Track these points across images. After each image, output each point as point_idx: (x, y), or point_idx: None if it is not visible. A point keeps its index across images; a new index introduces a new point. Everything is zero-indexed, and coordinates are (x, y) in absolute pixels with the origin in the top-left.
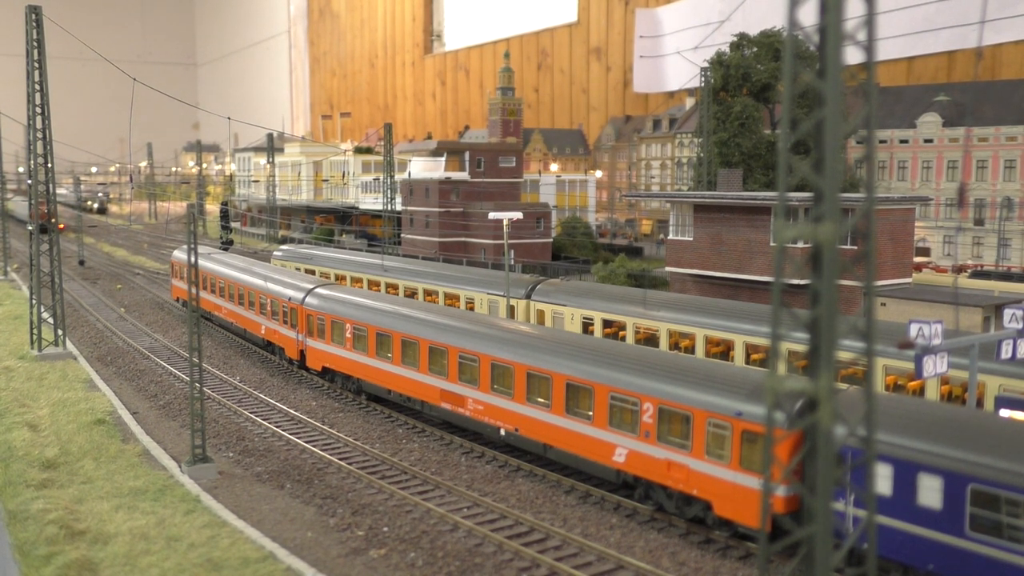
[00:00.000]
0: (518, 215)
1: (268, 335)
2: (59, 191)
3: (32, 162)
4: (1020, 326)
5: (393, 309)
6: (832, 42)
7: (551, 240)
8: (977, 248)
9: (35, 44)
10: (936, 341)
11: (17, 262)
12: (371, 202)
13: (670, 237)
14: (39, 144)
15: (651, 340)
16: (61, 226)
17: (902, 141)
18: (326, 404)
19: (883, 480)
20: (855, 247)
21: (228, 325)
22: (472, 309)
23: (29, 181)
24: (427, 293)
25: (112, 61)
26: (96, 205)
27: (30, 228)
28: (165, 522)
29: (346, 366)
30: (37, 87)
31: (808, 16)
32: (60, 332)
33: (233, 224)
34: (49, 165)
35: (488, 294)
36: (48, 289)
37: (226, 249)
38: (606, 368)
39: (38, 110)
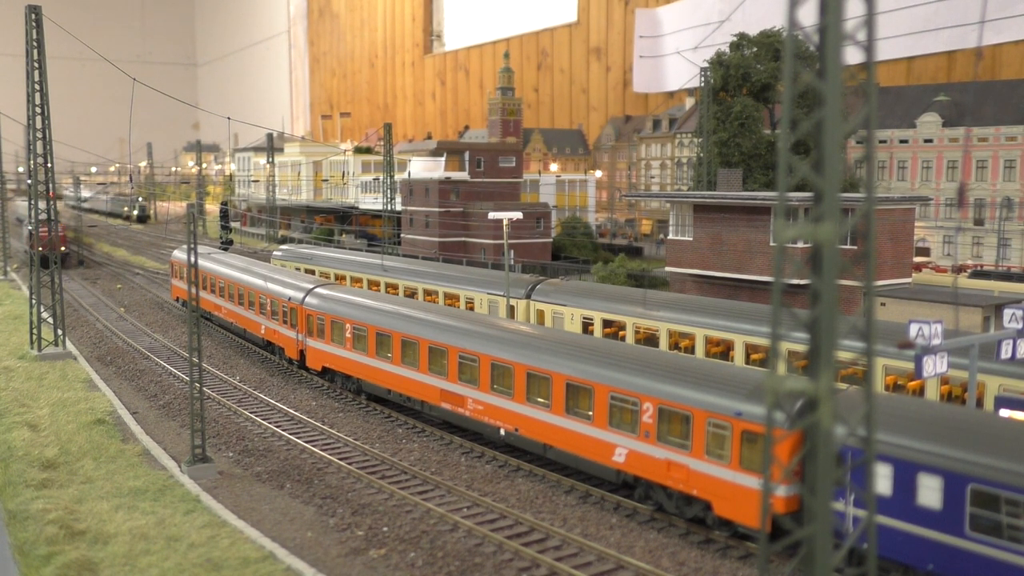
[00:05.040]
0: (518, 215)
1: (268, 335)
2: (82, 192)
3: (32, 162)
4: (1020, 326)
5: (393, 309)
6: (832, 42)
7: (551, 240)
8: (977, 248)
9: (35, 44)
10: (936, 341)
11: (17, 262)
12: (371, 202)
13: (670, 237)
14: (39, 144)
15: (651, 340)
16: (61, 231)
17: (902, 141)
18: (326, 404)
19: (883, 480)
20: (855, 247)
21: (228, 325)
22: (472, 309)
23: (29, 181)
24: (427, 293)
25: (112, 61)
26: (136, 212)
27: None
28: (165, 522)
29: (346, 366)
30: (37, 87)
31: (808, 16)
32: (60, 332)
33: (233, 224)
34: (49, 165)
35: (488, 294)
36: (48, 289)
37: (226, 249)
38: (606, 368)
39: (38, 110)
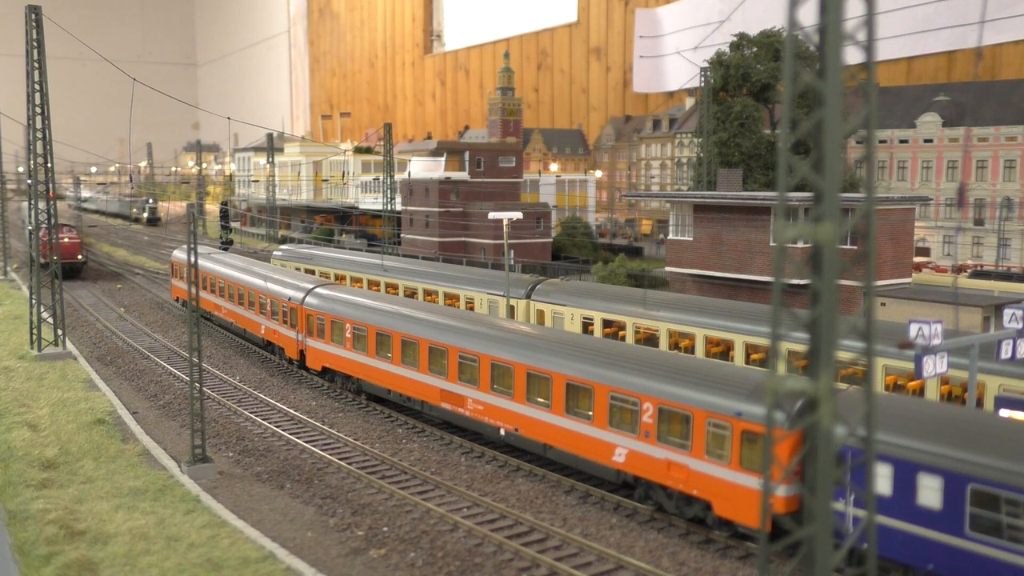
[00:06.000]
0: (518, 215)
1: (268, 335)
2: (82, 192)
3: (32, 162)
4: (1020, 326)
5: (393, 309)
6: (832, 42)
7: (551, 240)
8: (977, 248)
9: (35, 44)
10: (936, 341)
11: (17, 262)
12: (371, 202)
13: (670, 237)
14: (39, 144)
15: (651, 340)
16: (76, 237)
17: (902, 141)
18: (326, 404)
19: (883, 480)
20: (855, 247)
21: (228, 325)
22: (472, 309)
23: (29, 181)
24: (427, 293)
25: (112, 61)
26: (146, 215)
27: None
28: (165, 522)
29: (346, 366)
30: (37, 87)
31: (808, 16)
32: (60, 332)
33: (233, 224)
34: (49, 165)
35: (488, 294)
36: (48, 289)
37: (226, 249)
38: (606, 368)
39: (38, 110)
